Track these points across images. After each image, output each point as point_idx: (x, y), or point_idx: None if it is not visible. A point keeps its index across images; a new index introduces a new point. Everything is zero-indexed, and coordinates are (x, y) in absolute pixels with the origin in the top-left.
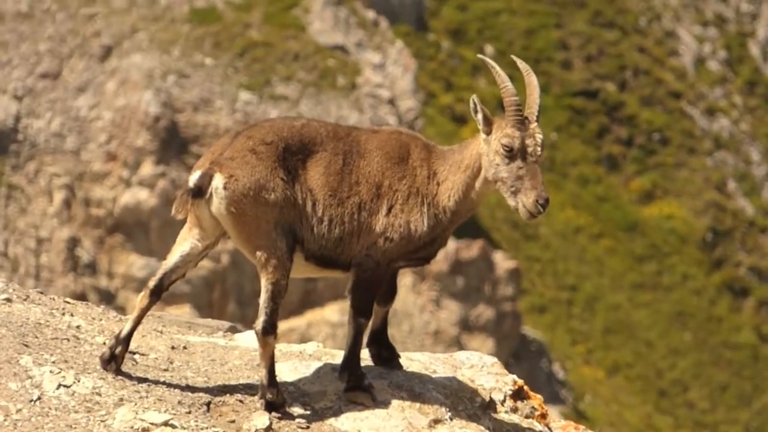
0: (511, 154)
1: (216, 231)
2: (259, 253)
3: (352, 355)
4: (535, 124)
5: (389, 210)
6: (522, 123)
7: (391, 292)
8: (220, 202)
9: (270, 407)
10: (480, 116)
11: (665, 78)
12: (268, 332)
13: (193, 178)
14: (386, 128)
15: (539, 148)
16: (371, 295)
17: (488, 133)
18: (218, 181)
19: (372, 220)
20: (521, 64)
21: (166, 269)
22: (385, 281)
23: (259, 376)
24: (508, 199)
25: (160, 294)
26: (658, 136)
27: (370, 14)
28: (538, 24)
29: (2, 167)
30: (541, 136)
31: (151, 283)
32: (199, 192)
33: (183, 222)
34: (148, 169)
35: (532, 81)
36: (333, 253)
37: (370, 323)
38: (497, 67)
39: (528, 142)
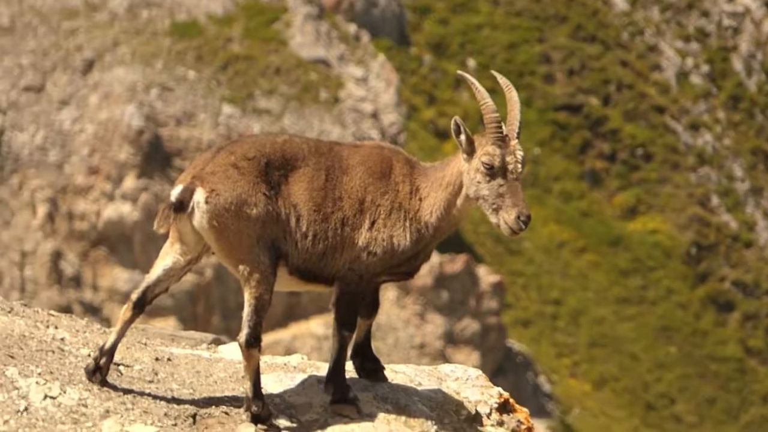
0: (492, 171)
1: (198, 245)
2: (241, 267)
3: (337, 368)
4: (516, 141)
5: (372, 225)
6: (502, 140)
7: (373, 306)
8: (202, 217)
9: (256, 420)
10: (462, 137)
11: (648, 92)
12: (252, 345)
13: (175, 192)
14: (368, 143)
15: (520, 166)
16: (355, 308)
17: (470, 153)
18: (200, 196)
19: (355, 235)
20: (501, 80)
21: (149, 283)
22: (369, 295)
23: (244, 389)
24: (490, 216)
25: (143, 307)
26: (642, 151)
27: (352, 28)
28: (520, 38)
29: None
30: (521, 153)
31: (134, 296)
32: (181, 206)
33: (166, 236)
34: (130, 182)
35: (512, 96)
36: (317, 267)
37: (354, 336)
38: (477, 84)
39: (508, 159)
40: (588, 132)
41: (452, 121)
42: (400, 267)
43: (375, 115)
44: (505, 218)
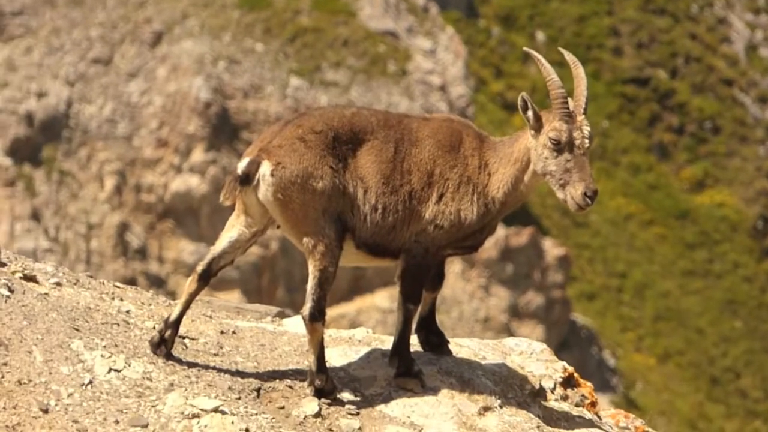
0: (559, 147)
1: (264, 218)
2: (306, 240)
3: (402, 341)
4: (583, 116)
5: (440, 198)
6: (569, 116)
7: (439, 279)
8: (267, 189)
9: (319, 394)
10: (530, 113)
11: (717, 65)
12: (316, 318)
13: (242, 165)
14: (438, 116)
15: (587, 141)
16: (420, 281)
17: (537, 129)
18: (265, 168)
19: (422, 208)
20: (568, 56)
21: (214, 255)
22: (434, 268)
23: (308, 362)
24: (557, 191)
25: (208, 279)
26: (710, 124)
27: (420, 0)
28: (590, 11)
29: (54, 153)
30: (588, 128)
31: (200, 268)
32: (247, 179)
33: (233, 208)
34: (198, 155)
35: (579, 73)
36: (384, 241)
37: (419, 309)
38: (543, 60)
39: (575, 134)
40: (656, 105)
41: (519, 97)
42: (466, 240)
43: (443, 88)
44: (572, 193)
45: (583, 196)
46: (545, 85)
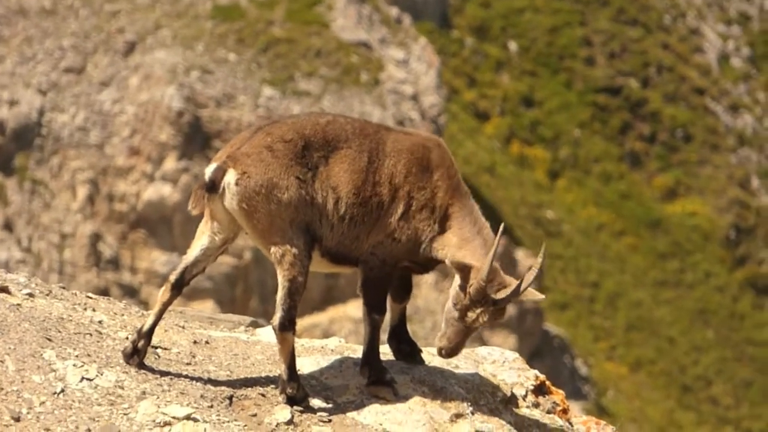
0: (457, 308)
1: (232, 225)
2: (274, 249)
3: (371, 350)
4: (494, 305)
5: (403, 214)
6: (481, 299)
7: (405, 289)
8: (232, 198)
9: (291, 401)
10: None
11: (689, 75)
12: (286, 328)
13: (208, 171)
14: (422, 133)
15: (477, 325)
16: (381, 291)
17: (464, 277)
18: (231, 177)
19: (385, 221)
20: (540, 259)
21: (186, 263)
22: (393, 279)
23: (279, 371)
24: (442, 321)
25: (181, 288)
26: (682, 133)
27: (394, 11)
28: (562, 21)
29: (26, 162)
30: (485, 320)
31: (172, 278)
32: (213, 186)
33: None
34: (171, 164)
35: (528, 278)
36: (347, 249)
37: (389, 319)
38: (490, 255)
39: (470, 315)
40: (628, 114)
41: (452, 263)
42: (418, 258)
43: (415, 97)
44: (436, 340)
45: (438, 350)
46: (517, 94)
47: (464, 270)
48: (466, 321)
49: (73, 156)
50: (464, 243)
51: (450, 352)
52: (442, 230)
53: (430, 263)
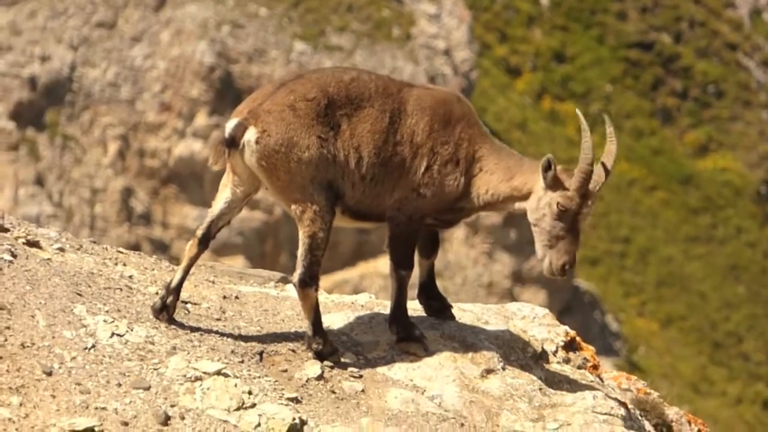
0: (563, 214)
1: (253, 179)
2: (294, 206)
3: (398, 307)
4: (596, 191)
5: (426, 169)
6: (585, 193)
7: (432, 245)
8: (251, 155)
9: (319, 356)
10: (550, 175)
11: (721, 30)
12: (307, 284)
13: (229, 126)
14: (441, 89)
15: (588, 218)
16: (408, 247)
17: (551, 187)
18: (251, 135)
19: (409, 177)
20: (608, 128)
21: (212, 217)
22: (419, 234)
23: (305, 327)
24: (538, 247)
25: (208, 242)
26: (714, 89)
27: None
28: None
29: (57, 118)
30: (595, 205)
31: (199, 232)
32: (233, 142)
33: None
34: (202, 120)
35: (611, 150)
36: (369, 207)
37: (417, 276)
38: (587, 132)
39: (584, 210)
40: (660, 69)
41: (545, 159)
42: (445, 214)
43: (447, 52)
44: (553, 261)
45: (561, 267)
46: (550, 50)
47: (555, 181)
48: (578, 222)
49: (104, 112)
50: (513, 171)
51: (574, 262)
52: (475, 176)
53: (456, 218)
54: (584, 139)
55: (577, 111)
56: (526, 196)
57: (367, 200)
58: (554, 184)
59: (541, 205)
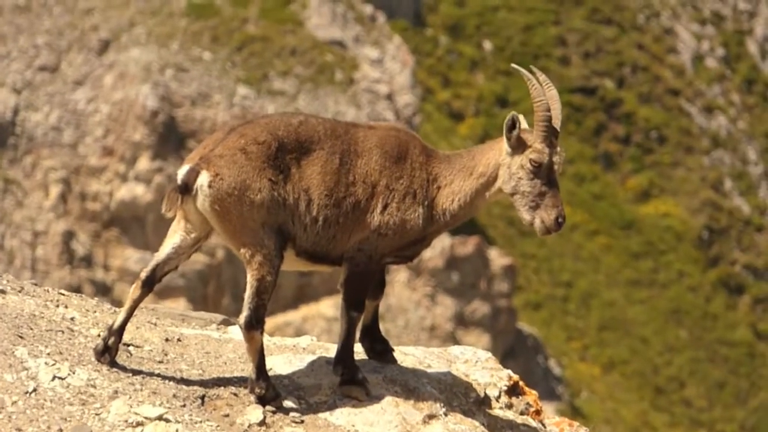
0: (538, 170)
1: (204, 225)
2: (243, 250)
3: (346, 349)
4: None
5: (384, 208)
6: (551, 139)
7: (380, 287)
8: (204, 200)
9: (262, 401)
10: (515, 133)
11: (663, 75)
12: (253, 327)
13: (181, 173)
14: (383, 125)
15: (561, 166)
16: (364, 288)
17: (515, 149)
18: (204, 179)
19: (367, 218)
20: (541, 77)
21: (158, 261)
22: (377, 275)
23: (248, 370)
24: (524, 213)
25: (152, 285)
26: (656, 134)
27: (368, 9)
28: (536, 20)
29: (0, 161)
30: (564, 153)
31: (143, 274)
32: (186, 188)
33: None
34: (144, 163)
35: (553, 95)
36: (325, 249)
37: (362, 318)
38: (533, 80)
39: (555, 159)
40: (603, 114)
41: (509, 117)
42: (405, 250)
43: (390, 97)
44: (544, 217)
45: (555, 221)
46: (492, 94)
47: (519, 142)
48: (553, 172)
49: (47, 155)
50: (471, 164)
51: (563, 213)
52: (435, 197)
53: (417, 251)
54: (532, 88)
55: (513, 65)
56: (494, 177)
57: (323, 242)
58: (519, 145)
59: (513, 171)
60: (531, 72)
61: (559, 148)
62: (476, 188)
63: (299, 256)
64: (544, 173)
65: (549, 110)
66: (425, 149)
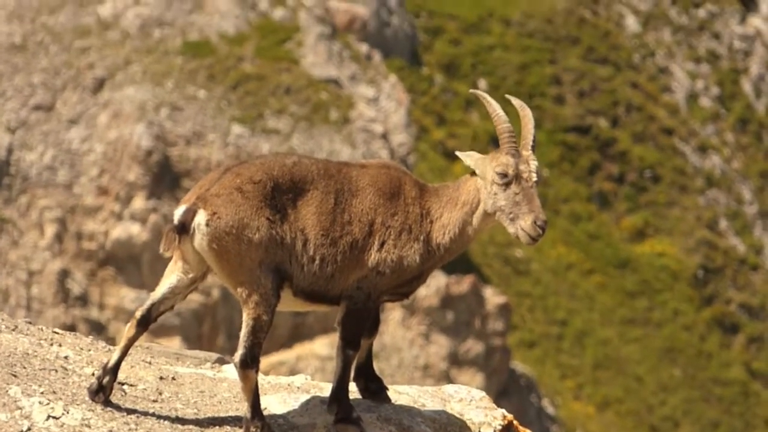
0: (507, 180)
1: (201, 265)
2: (240, 289)
3: (341, 387)
4: (529, 151)
5: (381, 245)
6: (515, 149)
7: (375, 325)
8: (202, 239)
9: None
10: (470, 162)
11: (658, 114)
12: (248, 365)
13: (178, 213)
14: (375, 162)
15: (534, 174)
16: (361, 326)
17: (483, 171)
18: (201, 218)
19: (364, 257)
20: (515, 101)
21: (154, 300)
22: (373, 313)
23: (242, 409)
24: (508, 227)
25: (147, 325)
26: (650, 174)
27: (364, 48)
28: (532, 59)
29: None
30: (535, 162)
31: (139, 314)
32: (183, 227)
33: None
34: (139, 203)
35: (526, 114)
36: (322, 288)
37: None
38: (488, 98)
39: (522, 167)
40: (597, 154)
41: (457, 153)
42: (401, 287)
43: (385, 136)
44: (522, 225)
45: (533, 225)
46: (487, 134)
47: (484, 160)
48: (527, 182)
49: (42, 195)
50: (455, 195)
51: (542, 215)
52: (429, 231)
53: (413, 287)
54: (489, 104)
55: (472, 90)
56: (477, 203)
57: (320, 282)
58: (483, 164)
59: (489, 189)
60: (508, 99)
61: (526, 157)
62: (463, 218)
63: (296, 296)
64: (514, 183)
65: (507, 122)
66: (417, 183)
